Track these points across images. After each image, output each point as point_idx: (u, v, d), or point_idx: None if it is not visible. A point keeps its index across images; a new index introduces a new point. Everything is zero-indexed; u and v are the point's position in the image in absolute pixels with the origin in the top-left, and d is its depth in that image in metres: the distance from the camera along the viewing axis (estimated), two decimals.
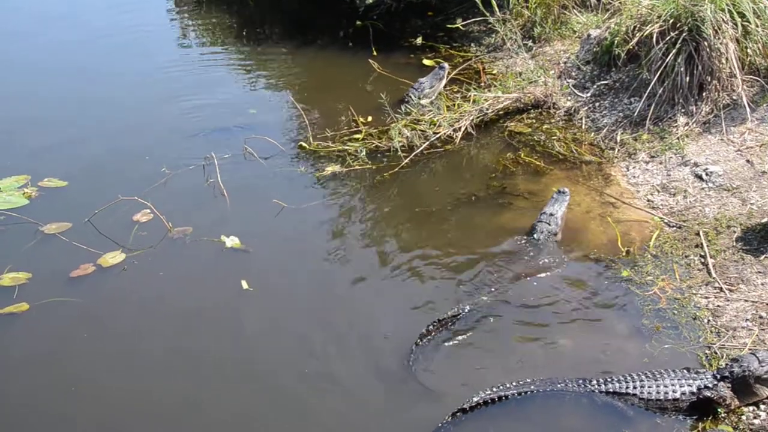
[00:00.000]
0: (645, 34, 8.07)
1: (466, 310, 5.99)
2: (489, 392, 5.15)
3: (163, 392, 5.50)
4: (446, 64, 9.59)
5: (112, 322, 6.16)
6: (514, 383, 5.21)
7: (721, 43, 7.65)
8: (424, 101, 9.11)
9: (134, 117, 9.49)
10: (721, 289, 6.01)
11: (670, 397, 5.03)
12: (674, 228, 6.80)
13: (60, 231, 7.16)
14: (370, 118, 9.04)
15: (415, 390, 5.36)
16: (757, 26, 7.71)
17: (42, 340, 6.00)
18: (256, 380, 5.56)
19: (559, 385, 5.20)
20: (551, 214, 6.80)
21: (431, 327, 5.79)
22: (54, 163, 8.29)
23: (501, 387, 5.18)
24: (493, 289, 6.23)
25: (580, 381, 5.21)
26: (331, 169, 8.15)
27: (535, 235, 6.74)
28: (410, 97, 9.15)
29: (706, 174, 7.22)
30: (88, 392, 5.52)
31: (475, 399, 5.10)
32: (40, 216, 7.35)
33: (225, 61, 11.58)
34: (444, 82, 9.46)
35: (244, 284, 6.43)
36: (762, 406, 5.07)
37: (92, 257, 6.77)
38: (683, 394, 5.03)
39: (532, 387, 5.19)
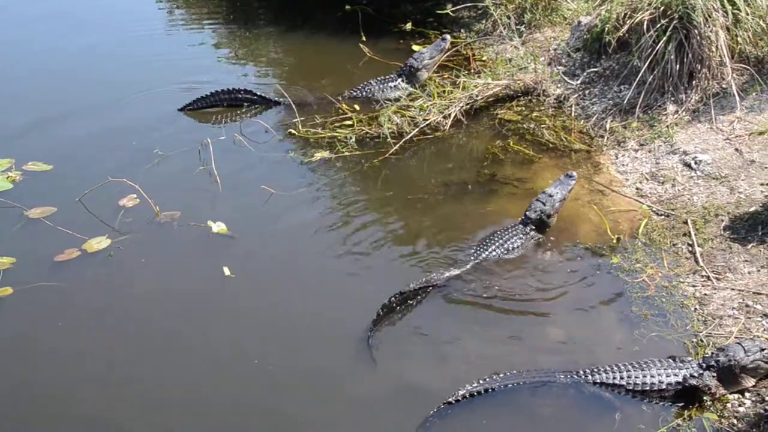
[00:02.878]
0: (635, 21, 8.03)
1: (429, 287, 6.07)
2: (475, 385, 5.12)
3: (144, 377, 5.46)
4: (448, 36, 9.54)
5: (96, 307, 6.11)
6: (501, 375, 5.18)
7: (711, 31, 7.63)
8: (423, 74, 9.14)
9: (121, 99, 9.36)
10: (708, 277, 6.02)
11: (656, 387, 5.05)
12: (663, 216, 6.80)
13: (45, 215, 7.08)
14: (357, 106, 8.97)
15: (395, 380, 5.34)
16: (747, 14, 7.69)
17: (26, 324, 5.94)
18: (229, 367, 5.54)
19: (546, 377, 5.19)
20: (550, 195, 6.71)
21: (393, 299, 5.84)
22: (39, 146, 8.19)
23: (487, 379, 5.15)
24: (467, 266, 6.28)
25: (567, 372, 5.20)
26: (321, 155, 8.08)
27: (527, 213, 6.70)
28: (404, 70, 9.16)
29: (695, 162, 7.22)
30: (72, 376, 5.48)
31: (461, 392, 5.07)
32: (25, 200, 7.26)
33: (212, 44, 11.46)
34: (444, 55, 9.41)
35: (226, 270, 6.39)
36: (747, 394, 5.09)
37: (77, 242, 6.70)
38: (669, 384, 5.06)
39: (519, 379, 5.17)
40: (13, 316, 6.03)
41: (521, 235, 6.58)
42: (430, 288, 6.09)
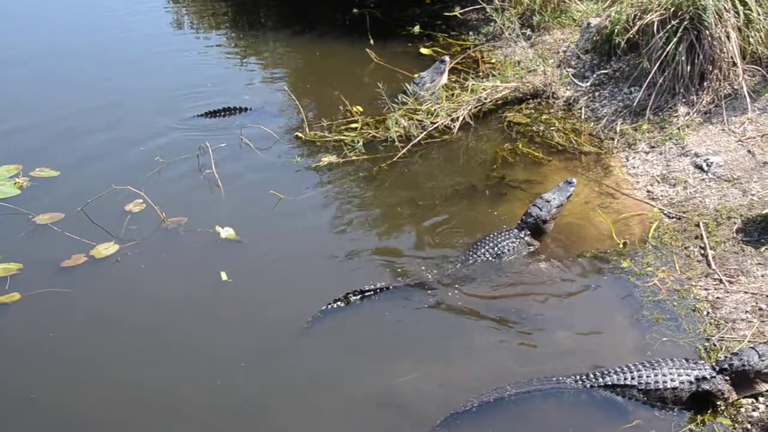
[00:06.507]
0: (645, 22, 7.98)
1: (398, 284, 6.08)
2: (484, 394, 5.03)
3: (148, 382, 5.42)
4: (447, 58, 9.42)
5: (102, 313, 6.07)
6: (510, 384, 5.09)
7: (722, 32, 7.55)
8: (424, 93, 9.01)
9: (127, 104, 9.43)
10: (720, 280, 5.94)
11: (669, 386, 4.96)
12: (674, 219, 6.72)
13: (52, 221, 7.08)
14: (360, 108, 8.93)
15: (398, 386, 5.25)
16: (759, 15, 7.63)
17: (33, 330, 5.92)
18: (214, 372, 5.46)
19: (556, 383, 5.11)
20: (547, 200, 6.61)
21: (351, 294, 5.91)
22: (46, 152, 8.23)
23: (497, 388, 5.06)
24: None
25: (577, 376, 5.13)
26: (328, 159, 8.06)
27: (523, 217, 6.62)
28: (407, 87, 9.03)
29: (707, 164, 7.14)
30: (77, 381, 5.45)
31: (469, 402, 4.99)
32: (32, 206, 7.27)
33: (219, 48, 11.51)
34: (446, 76, 9.31)
35: (224, 276, 6.34)
36: (761, 399, 5.01)
37: (85, 248, 6.68)
38: (682, 383, 4.97)
39: (529, 387, 5.08)
40: (20, 321, 6.01)
41: (514, 240, 6.48)
42: (396, 287, 6.07)
